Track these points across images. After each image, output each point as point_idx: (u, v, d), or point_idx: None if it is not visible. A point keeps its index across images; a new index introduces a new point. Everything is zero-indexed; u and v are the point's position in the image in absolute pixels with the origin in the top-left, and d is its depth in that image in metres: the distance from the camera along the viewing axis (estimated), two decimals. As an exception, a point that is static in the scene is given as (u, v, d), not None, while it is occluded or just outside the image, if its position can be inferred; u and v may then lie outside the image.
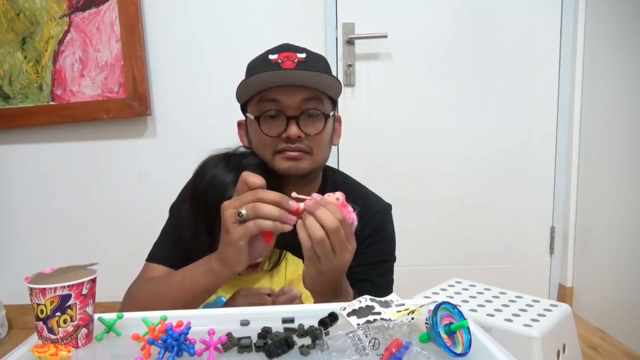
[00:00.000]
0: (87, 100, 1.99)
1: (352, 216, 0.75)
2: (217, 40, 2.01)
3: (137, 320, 0.67)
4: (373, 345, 0.58)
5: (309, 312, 0.72)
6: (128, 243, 2.01)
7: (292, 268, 1.03)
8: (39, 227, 2.12)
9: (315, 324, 0.65)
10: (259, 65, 0.97)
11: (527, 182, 2.13)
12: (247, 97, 0.98)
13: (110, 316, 0.69)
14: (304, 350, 0.60)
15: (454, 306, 0.62)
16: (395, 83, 2.06)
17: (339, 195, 0.75)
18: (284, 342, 0.60)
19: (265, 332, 0.65)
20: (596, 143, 1.98)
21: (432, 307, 0.60)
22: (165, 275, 0.96)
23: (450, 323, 0.59)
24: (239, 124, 1.07)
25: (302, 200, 0.74)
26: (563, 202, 2.13)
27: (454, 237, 2.15)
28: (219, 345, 0.60)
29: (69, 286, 0.62)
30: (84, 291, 0.64)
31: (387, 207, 1.11)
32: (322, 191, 0.76)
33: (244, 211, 0.72)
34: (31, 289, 0.62)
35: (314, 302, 0.85)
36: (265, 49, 1.00)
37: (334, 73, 1.03)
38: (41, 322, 0.62)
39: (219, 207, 0.77)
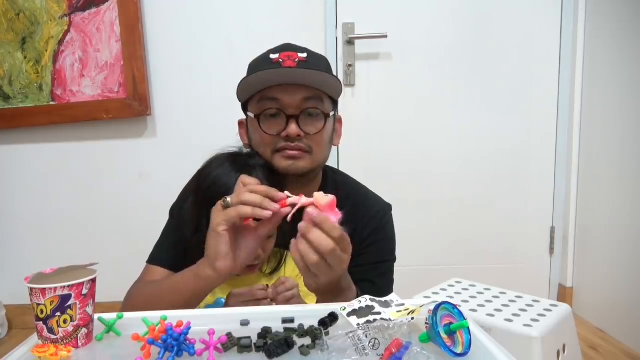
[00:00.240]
0: (87, 100, 1.99)
1: (338, 218, 0.72)
2: (217, 40, 2.01)
3: (137, 320, 0.67)
4: (373, 345, 0.58)
5: (309, 312, 0.72)
6: (128, 243, 2.01)
7: (291, 267, 1.03)
8: (39, 227, 2.12)
9: (315, 324, 0.65)
10: (260, 64, 0.97)
11: (527, 182, 2.13)
12: (248, 95, 0.98)
13: (110, 316, 0.69)
14: (304, 350, 0.60)
15: (454, 306, 0.62)
16: (395, 83, 2.06)
17: (330, 197, 0.72)
18: (284, 342, 0.60)
19: (265, 332, 0.65)
20: (596, 143, 1.98)
21: (432, 307, 0.60)
22: (161, 279, 0.97)
23: (450, 323, 0.59)
24: (240, 122, 1.07)
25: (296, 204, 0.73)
26: (563, 202, 2.13)
27: (454, 237, 2.14)
28: (219, 345, 0.60)
29: (69, 286, 0.62)
30: (84, 291, 0.64)
31: (387, 207, 1.11)
32: (322, 191, 0.76)
33: (229, 199, 0.75)
34: (31, 289, 0.62)
35: (317, 301, 0.85)
36: (265, 49, 1.00)
37: (334, 73, 1.03)
38: (41, 322, 0.62)
39: None
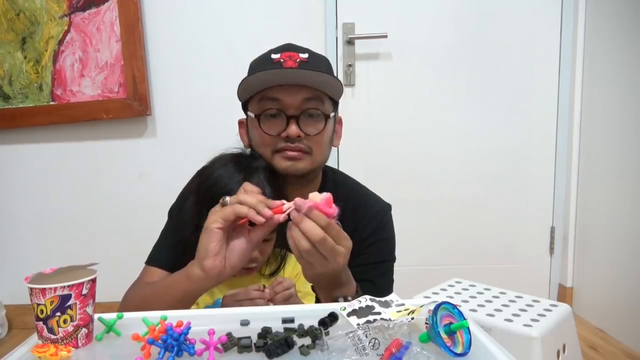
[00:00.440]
0: (87, 100, 1.99)
1: (335, 212, 0.75)
2: (217, 40, 2.01)
3: (137, 320, 0.67)
4: (373, 345, 0.58)
5: (309, 312, 0.72)
6: (128, 243, 2.01)
7: (290, 267, 1.03)
8: (39, 227, 2.12)
9: (315, 324, 0.65)
10: (261, 64, 0.97)
11: (527, 182, 2.13)
12: (248, 95, 0.98)
13: (110, 316, 0.69)
14: (304, 350, 0.60)
15: (454, 306, 0.62)
16: (395, 83, 2.06)
17: (325, 195, 0.75)
18: (284, 342, 0.60)
19: (265, 332, 0.65)
20: (596, 143, 1.98)
21: (432, 307, 0.60)
22: (158, 280, 0.96)
23: (450, 323, 0.59)
24: (240, 122, 1.07)
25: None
26: (563, 202, 2.13)
27: (454, 237, 2.14)
28: (219, 345, 0.60)
29: (69, 286, 0.62)
30: (84, 291, 0.64)
31: (387, 207, 1.11)
32: (322, 191, 0.76)
33: (228, 198, 0.77)
34: (31, 289, 0.62)
35: (317, 295, 0.85)
36: (265, 49, 1.00)
37: (334, 73, 1.03)
38: (41, 322, 0.62)
39: None
